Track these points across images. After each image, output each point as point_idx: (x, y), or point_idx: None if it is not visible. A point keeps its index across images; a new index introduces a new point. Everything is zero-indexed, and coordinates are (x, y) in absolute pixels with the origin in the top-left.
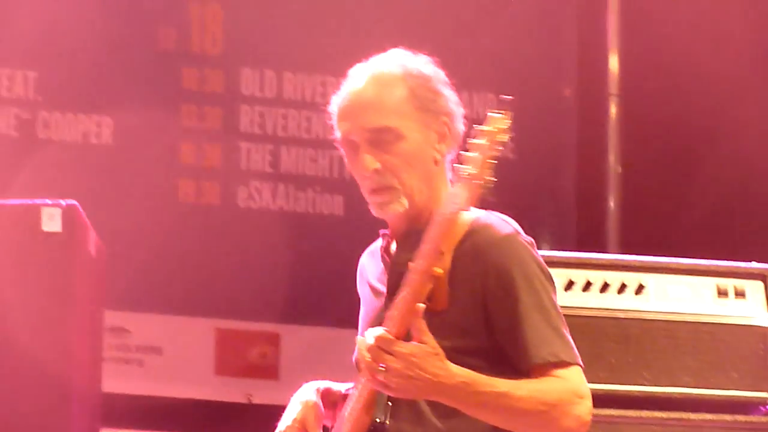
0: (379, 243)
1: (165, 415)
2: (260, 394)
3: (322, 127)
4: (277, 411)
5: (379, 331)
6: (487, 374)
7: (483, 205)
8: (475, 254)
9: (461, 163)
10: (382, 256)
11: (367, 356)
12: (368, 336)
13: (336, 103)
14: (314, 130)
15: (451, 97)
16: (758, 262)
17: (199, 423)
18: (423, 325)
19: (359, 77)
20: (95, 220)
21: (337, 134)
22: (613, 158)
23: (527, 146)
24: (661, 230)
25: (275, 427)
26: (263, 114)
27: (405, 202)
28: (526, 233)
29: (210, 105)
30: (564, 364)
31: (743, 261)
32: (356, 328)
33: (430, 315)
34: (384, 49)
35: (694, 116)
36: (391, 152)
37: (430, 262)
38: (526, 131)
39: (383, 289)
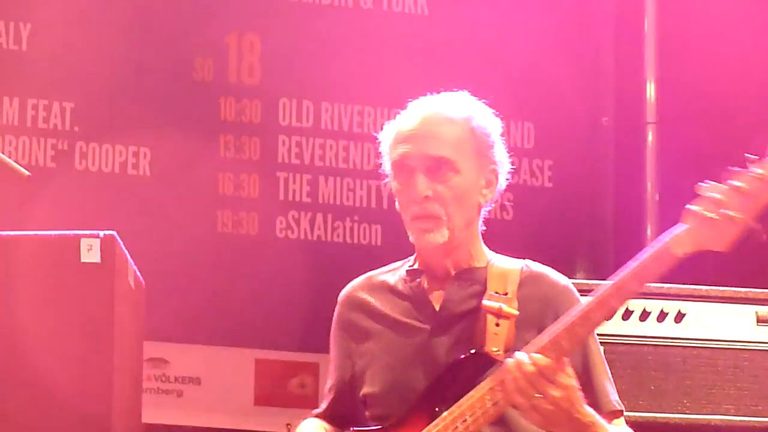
0: (376, 277)
1: None
2: (299, 423)
3: (359, 156)
4: None
5: (543, 359)
6: None
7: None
8: (543, 301)
9: (702, 202)
10: (412, 291)
11: (521, 379)
12: (524, 361)
13: (395, 127)
14: (352, 160)
15: (502, 150)
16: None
17: None
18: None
19: (425, 108)
20: (134, 251)
21: (391, 156)
22: (650, 186)
23: (565, 174)
24: (700, 257)
25: None
26: (300, 144)
27: (447, 234)
28: (563, 261)
29: (248, 135)
30: (621, 412)
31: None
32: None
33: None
34: (419, 81)
35: (731, 143)
36: (445, 183)
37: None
38: (563, 160)
39: (419, 323)
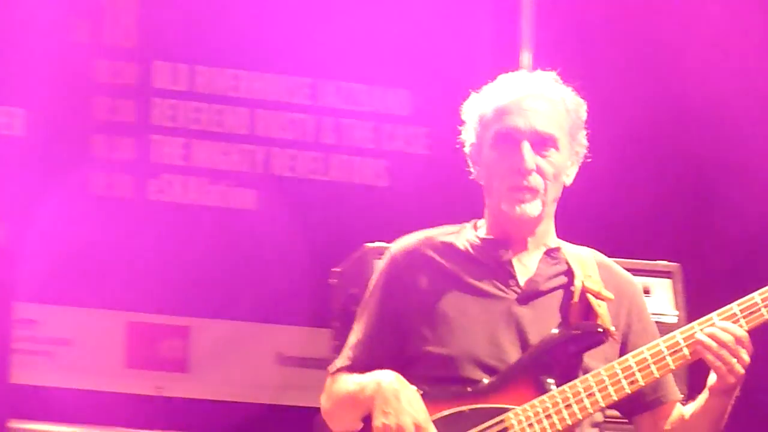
0: (438, 238)
1: (75, 407)
2: (170, 386)
3: (233, 120)
4: (187, 403)
5: (737, 328)
6: None
7: None
8: (617, 291)
9: None
10: (493, 259)
11: (722, 348)
12: (723, 331)
13: (493, 98)
14: (226, 123)
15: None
16: (666, 260)
17: (109, 415)
18: None
19: (525, 83)
20: (4, 213)
21: (495, 127)
22: None
23: (441, 142)
24: (564, 224)
25: (185, 420)
26: (175, 107)
27: (540, 207)
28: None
29: (122, 98)
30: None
31: (650, 259)
32: (265, 322)
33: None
34: (295, 44)
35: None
36: (547, 159)
37: None
38: (439, 127)
39: (501, 292)
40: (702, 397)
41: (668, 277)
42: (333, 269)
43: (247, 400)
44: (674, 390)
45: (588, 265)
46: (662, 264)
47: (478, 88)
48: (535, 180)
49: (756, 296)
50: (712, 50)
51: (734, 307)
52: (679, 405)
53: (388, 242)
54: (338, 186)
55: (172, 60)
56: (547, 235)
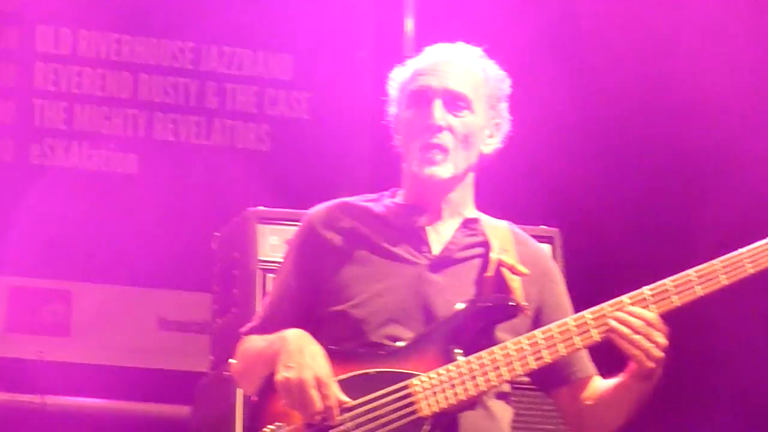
0: (355, 203)
1: None
2: (51, 350)
3: (116, 85)
4: (68, 368)
5: (649, 314)
6: None
7: None
8: (533, 264)
9: None
10: (406, 225)
11: (635, 334)
12: (632, 316)
13: (412, 65)
14: (108, 88)
15: (507, 111)
16: (546, 225)
17: None
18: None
19: (445, 51)
20: None
21: (409, 86)
22: None
23: (322, 107)
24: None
25: (66, 384)
26: (57, 71)
27: (450, 169)
28: (322, 194)
29: (4, 61)
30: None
31: (532, 225)
32: (147, 287)
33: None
34: (177, 9)
35: None
36: (459, 119)
37: None
38: (321, 92)
39: (413, 257)
40: (622, 378)
41: (548, 242)
42: (214, 233)
43: (129, 364)
44: (590, 366)
45: (505, 238)
46: (542, 229)
47: (360, 53)
48: (445, 138)
49: (668, 282)
50: None
51: (645, 291)
52: (598, 380)
53: (269, 206)
54: (220, 150)
55: (54, 24)
56: (464, 204)
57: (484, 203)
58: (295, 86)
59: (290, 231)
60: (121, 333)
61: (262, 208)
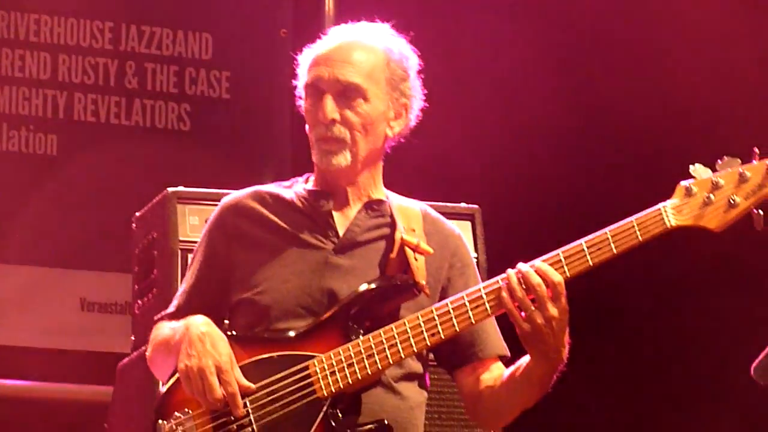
0: (265, 190)
1: None
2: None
3: (35, 65)
4: None
5: (554, 273)
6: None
7: None
8: (442, 245)
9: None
10: (314, 210)
11: (519, 289)
12: (531, 272)
13: (312, 51)
14: (27, 69)
15: (417, 87)
16: (467, 203)
17: None
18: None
19: (344, 34)
20: None
21: (304, 79)
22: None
23: (243, 86)
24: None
25: None
26: None
27: (348, 158)
28: (244, 172)
29: None
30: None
31: (452, 202)
32: (69, 268)
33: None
34: None
35: None
36: (353, 109)
37: None
38: (242, 71)
39: (320, 242)
40: (522, 359)
41: (469, 220)
42: (135, 214)
43: (51, 345)
44: (495, 346)
45: (412, 217)
46: (462, 207)
47: (280, 31)
48: (339, 131)
49: (583, 243)
50: None
51: (560, 253)
52: (500, 364)
53: (188, 186)
54: (141, 130)
55: None
56: (371, 187)
57: (403, 183)
58: (215, 65)
59: (210, 211)
60: (43, 314)
61: (181, 188)
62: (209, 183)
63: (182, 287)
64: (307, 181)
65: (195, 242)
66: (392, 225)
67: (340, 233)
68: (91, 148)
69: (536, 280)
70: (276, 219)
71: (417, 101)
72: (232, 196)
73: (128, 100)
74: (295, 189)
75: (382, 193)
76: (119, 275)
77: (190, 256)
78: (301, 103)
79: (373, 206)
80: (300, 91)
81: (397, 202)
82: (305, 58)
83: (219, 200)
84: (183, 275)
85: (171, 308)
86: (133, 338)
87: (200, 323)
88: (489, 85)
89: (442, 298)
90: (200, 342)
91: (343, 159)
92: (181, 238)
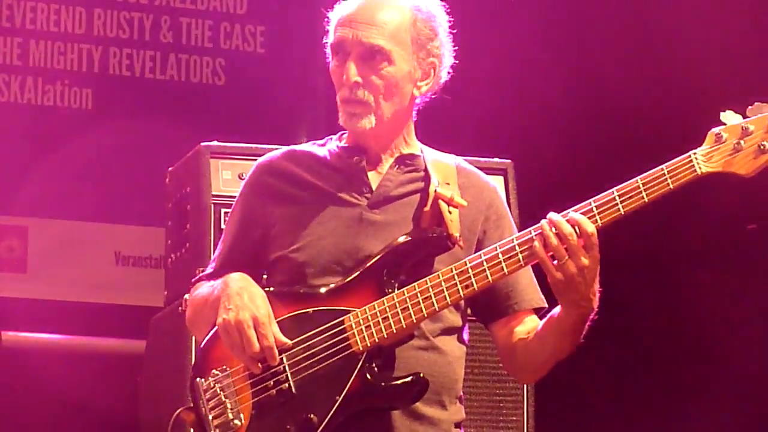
0: (299, 149)
1: None
2: (9, 287)
3: (70, 20)
4: (25, 304)
5: (587, 223)
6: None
7: None
8: (477, 197)
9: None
10: (348, 166)
11: (554, 239)
12: (563, 222)
13: (339, 9)
14: (63, 23)
15: (447, 44)
16: (499, 157)
17: None
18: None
19: None
20: None
21: (331, 38)
22: None
23: (277, 41)
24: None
25: (22, 321)
26: (12, 6)
27: (373, 121)
28: (278, 127)
29: None
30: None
31: (485, 157)
32: (104, 222)
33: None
34: None
35: None
36: (376, 72)
37: None
38: (276, 26)
39: (354, 198)
40: (554, 310)
41: (501, 174)
42: (168, 168)
43: (86, 299)
44: (531, 298)
45: (446, 171)
46: (495, 161)
47: None
48: (362, 93)
49: (614, 192)
50: None
51: (591, 202)
52: (535, 317)
53: (222, 141)
54: (175, 84)
55: None
56: (402, 144)
57: (440, 136)
58: (250, 20)
59: (243, 165)
60: (78, 268)
61: (215, 143)
62: (243, 138)
63: (219, 248)
64: (341, 139)
65: (228, 197)
66: (426, 179)
67: (374, 189)
68: (126, 102)
69: (569, 229)
70: (310, 177)
71: (447, 59)
72: (267, 156)
73: (163, 54)
74: (328, 146)
75: (416, 147)
76: (154, 229)
77: (223, 210)
78: (330, 62)
79: (406, 161)
80: (328, 51)
81: (431, 156)
82: (332, 17)
83: (252, 155)
84: (216, 230)
85: (209, 269)
86: (166, 293)
87: (238, 278)
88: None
89: (477, 251)
90: (238, 296)
91: (368, 122)
92: (214, 193)
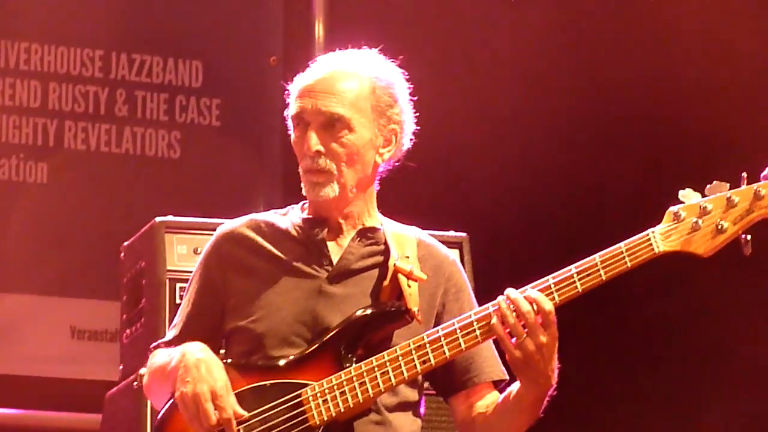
0: (261, 219)
1: None
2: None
3: (26, 94)
4: None
5: (545, 300)
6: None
7: None
8: (436, 270)
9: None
10: (308, 238)
11: (511, 317)
12: (521, 299)
13: (298, 81)
14: (18, 98)
15: (407, 111)
16: (455, 231)
17: None
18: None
19: (329, 63)
20: None
21: (291, 110)
22: None
23: (233, 114)
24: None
25: None
26: None
27: (336, 189)
28: (233, 200)
29: None
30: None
31: (441, 230)
32: (59, 296)
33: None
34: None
35: None
36: (337, 140)
37: None
38: (232, 99)
39: (314, 270)
40: (513, 386)
41: (457, 248)
42: (124, 243)
43: (42, 374)
44: (491, 371)
45: (406, 244)
46: (450, 235)
47: (269, 59)
48: (324, 162)
49: (572, 269)
50: None
51: (549, 279)
52: (495, 392)
53: (177, 215)
54: (130, 158)
55: None
56: (364, 214)
57: (396, 209)
58: (205, 93)
59: (199, 240)
60: (33, 342)
61: (170, 217)
62: (199, 211)
63: (178, 315)
64: (303, 209)
65: (183, 272)
66: (386, 252)
67: (334, 261)
68: (81, 176)
69: (527, 307)
70: (271, 247)
71: (409, 125)
72: (228, 224)
73: (118, 128)
74: (290, 217)
75: (376, 219)
76: (110, 303)
77: (178, 285)
78: (291, 134)
79: (367, 234)
80: (289, 123)
81: (391, 228)
82: (293, 89)
83: (207, 230)
84: (171, 305)
85: (168, 336)
86: (121, 367)
87: (196, 350)
88: (477, 113)
89: (437, 324)
90: (196, 368)
91: (331, 190)
92: (169, 268)
